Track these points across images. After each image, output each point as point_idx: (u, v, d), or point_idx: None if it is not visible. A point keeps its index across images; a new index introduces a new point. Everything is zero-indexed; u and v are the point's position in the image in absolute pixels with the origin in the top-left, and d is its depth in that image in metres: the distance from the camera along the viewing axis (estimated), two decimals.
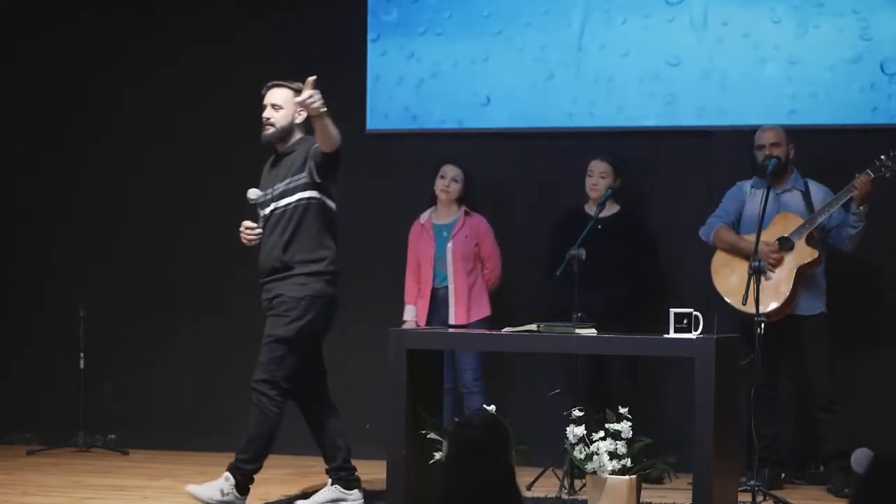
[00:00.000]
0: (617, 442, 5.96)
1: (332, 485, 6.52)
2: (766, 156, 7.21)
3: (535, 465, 6.88)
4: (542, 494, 6.76)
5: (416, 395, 6.24)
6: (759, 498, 6.48)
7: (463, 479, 3.70)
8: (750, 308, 6.53)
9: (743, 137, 7.46)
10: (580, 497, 6.64)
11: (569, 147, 8.03)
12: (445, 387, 7.18)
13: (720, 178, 7.60)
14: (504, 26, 8.16)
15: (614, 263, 7.39)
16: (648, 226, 7.71)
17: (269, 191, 6.43)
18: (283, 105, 6.42)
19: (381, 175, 8.33)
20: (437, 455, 6.04)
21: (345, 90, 8.35)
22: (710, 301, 7.18)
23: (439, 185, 7.71)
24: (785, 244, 7.12)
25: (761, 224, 6.75)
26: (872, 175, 6.95)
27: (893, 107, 7.58)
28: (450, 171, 7.70)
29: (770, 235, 7.05)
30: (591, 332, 6.22)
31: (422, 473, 6.15)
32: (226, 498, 6.25)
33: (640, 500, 6.10)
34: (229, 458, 6.38)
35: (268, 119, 6.45)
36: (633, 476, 5.96)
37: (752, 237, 6.84)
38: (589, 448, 6.00)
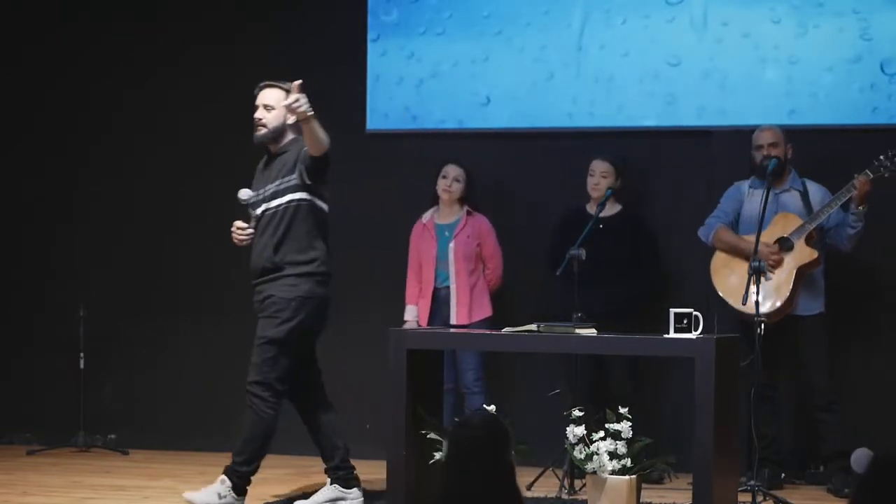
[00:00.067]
0: (617, 442, 5.96)
1: (331, 484, 6.52)
2: (764, 156, 7.21)
3: (535, 465, 6.88)
4: (542, 494, 6.76)
5: (416, 395, 6.24)
6: (759, 498, 6.48)
7: (463, 478, 3.71)
8: (750, 308, 6.53)
9: (743, 137, 7.47)
10: (580, 497, 6.64)
11: (569, 147, 8.04)
12: (446, 387, 7.18)
13: (720, 178, 7.60)
14: (504, 26, 8.16)
15: (616, 263, 7.39)
16: (650, 225, 7.71)
17: (261, 191, 6.44)
18: (274, 106, 6.42)
19: (381, 175, 8.33)
20: (437, 455, 6.04)
21: (345, 90, 8.36)
22: (710, 301, 7.18)
23: (441, 184, 7.71)
24: (784, 244, 7.12)
25: (761, 224, 6.75)
26: (871, 175, 6.95)
27: (893, 107, 7.58)
28: (452, 170, 7.70)
29: (769, 236, 7.05)
30: (591, 332, 6.22)
31: (422, 473, 6.15)
32: (223, 501, 6.25)
33: (640, 500, 6.10)
34: (229, 458, 6.38)
35: (259, 120, 6.45)
36: (633, 476, 5.96)
37: (751, 238, 6.84)
38: (589, 448, 6.00)
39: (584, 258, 6.85)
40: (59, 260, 8.88)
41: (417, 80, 8.30)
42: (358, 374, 8.12)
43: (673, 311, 6.08)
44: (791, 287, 7.08)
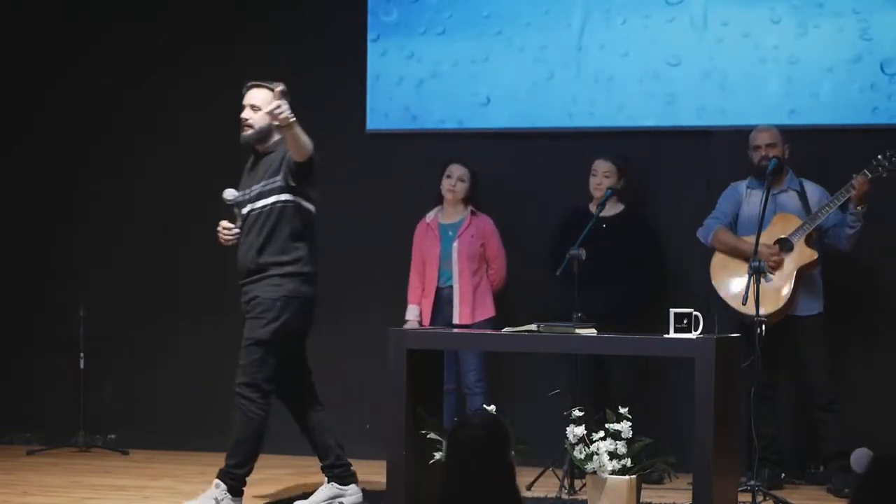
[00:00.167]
0: (617, 442, 5.96)
1: (328, 482, 6.53)
2: (762, 156, 7.21)
3: (535, 465, 6.88)
4: (542, 494, 6.76)
5: (416, 395, 6.24)
6: (759, 498, 6.48)
7: (463, 478, 3.71)
8: (750, 309, 6.53)
9: (743, 137, 7.46)
10: (580, 497, 6.64)
11: (569, 147, 8.04)
12: (448, 388, 7.18)
13: (720, 178, 7.60)
14: (504, 26, 8.16)
15: (616, 263, 7.39)
16: (653, 225, 7.70)
17: (247, 191, 6.44)
18: (261, 106, 6.39)
19: (381, 175, 8.33)
20: (437, 455, 6.04)
21: (345, 90, 8.36)
22: (710, 301, 7.18)
23: (446, 184, 7.71)
24: (784, 245, 7.12)
25: (761, 224, 6.74)
26: (870, 175, 6.94)
27: (893, 107, 7.58)
28: (456, 170, 7.70)
29: (769, 236, 7.04)
30: (591, 332, 6.22)
31: (422, 473, 6.14)
32: None
33: (640, 500, 6.09)
34: None
35: (246, 120, 6.44)
36: (633, 476, 5.96)
37: (751, 239, 6.83)
38: (589, 448, 5.99)
39: (583, 258, 6.85)
40: (59, 260, 8.88)
41: (417, 80, 8.30)
42: (358, 374, 8.12)
43: (673, 311, 6.07)
44: (791, 288, 7.08)
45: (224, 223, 6.48)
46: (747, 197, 7.31)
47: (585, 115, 8.04)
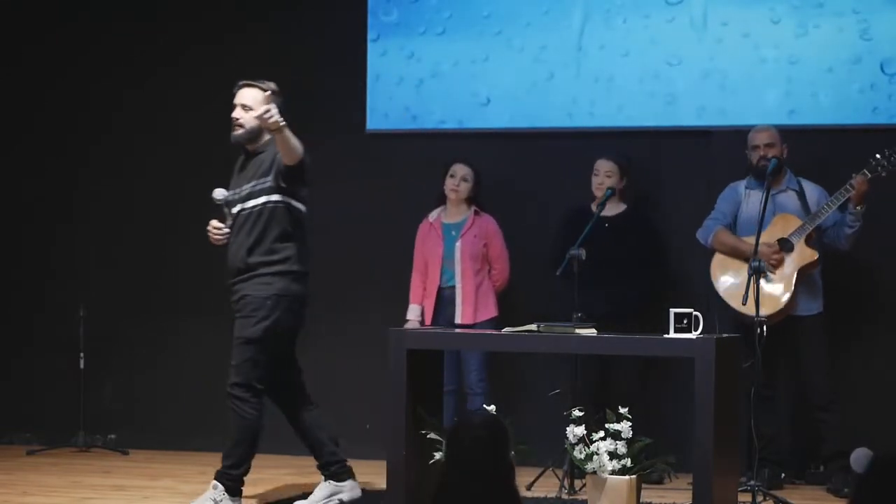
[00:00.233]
0: (617, 442, 5.96)
1: (325, 481, 6.53)
2: (760, 156, 7.21)
3: (535, 465, 6.89)
4: (542, 494, 6.76)
5: (416, 395, 6.24)
6: (759, 498, 6.48)
7: (463, 478, 3.71)
8: (750, 309, 6.53)
9: (743, 137, 7.45)
10: (580, 497, 6.64)
11: (569, 147, 8.04)
12: (448, 389, 7.18)
13: (720, 178, 7.60)
14: (504, 26, 8.16)
15: (617, 263, 7.38)
16: (656, 225, 7.70)
17: (238, 191, 6.44)
18: (252, 106, 6.39)
19: (381, 175, 8.33)
20: (437, 455, 6.04)
21: (345, 90, 8.36)
22: (710, 301, 7.18)
23: (449, 184, 7.70)
24: (785, 245, 7.11)
25: (761, 224, 6.74)
26: (869, 175, 6.94)
27: (893, 107, 7.58)
28: (460, 170, 7.69)
29: (769, 237, 7.04)
30: (591, 332, 6.22)
31: (422, 473, 6.14)
32: None
33: (640, 500, 6.09)
34: None
35: (236, 120, 6.44)
36: (633, 476, 5.96)
37: (751, 239, 6.83)
38: (589, 448, 5.99)
39: (584, 258, 6.85)
40: (59, 260, 8.88)
41: (417, 80, 8.29)
42: (358, 374, 8.12)
43: (673, 311, 6.07)
44: (792, 288, 7.08)
45: (214, 223, 6.49)
46: (746, 197, 7.31)
47: (585, 115, 8.04)
